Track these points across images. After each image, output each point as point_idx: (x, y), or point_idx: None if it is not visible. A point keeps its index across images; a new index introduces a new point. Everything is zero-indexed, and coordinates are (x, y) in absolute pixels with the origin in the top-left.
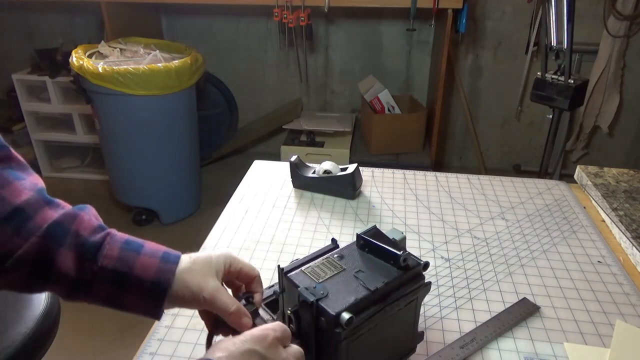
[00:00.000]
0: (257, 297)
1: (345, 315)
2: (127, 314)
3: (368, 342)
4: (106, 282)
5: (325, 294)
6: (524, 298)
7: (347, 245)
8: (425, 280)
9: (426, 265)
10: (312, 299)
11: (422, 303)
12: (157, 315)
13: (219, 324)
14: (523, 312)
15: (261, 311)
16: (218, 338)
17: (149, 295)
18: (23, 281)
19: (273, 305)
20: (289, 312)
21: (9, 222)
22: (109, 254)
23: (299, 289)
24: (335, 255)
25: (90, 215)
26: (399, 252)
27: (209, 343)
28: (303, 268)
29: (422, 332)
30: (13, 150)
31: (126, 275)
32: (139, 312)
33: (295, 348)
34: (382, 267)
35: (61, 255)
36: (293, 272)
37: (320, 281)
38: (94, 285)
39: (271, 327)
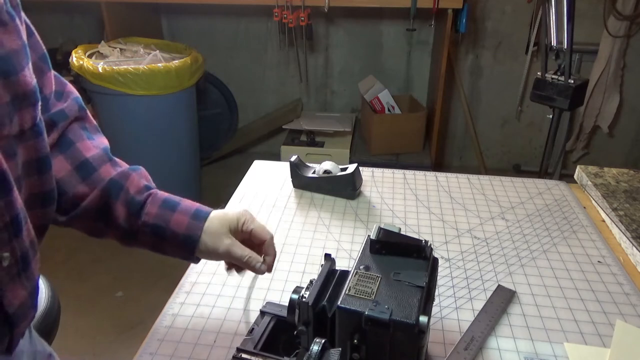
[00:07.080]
0: (267, 260)
1: (424, 319)
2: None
3: None
4: (148, 234)
5: (390, 308)
6: (499, 285)
7: (360, 256)
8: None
9: (426, 243)
10: (386, 317)
11: None
12: (194, 261)
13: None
14: (503, 299)
15: None
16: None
17: (183, 245)
18: (91, 225)
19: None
20: (355, 342)
21: (78, 170)
22: (149, 212)
23: (365, 313)
24: (362, 267)
25: (141, 176)
26: (422, 244)
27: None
28: (345, 291)
29: None
30: (89, 113)
31: (164, 229)
32: (178, 257)
33: None
34: (409, 262)
35: (116, 207)
36: (342, 299)
37: (373, 297)
38: (139, 235)
39: None
